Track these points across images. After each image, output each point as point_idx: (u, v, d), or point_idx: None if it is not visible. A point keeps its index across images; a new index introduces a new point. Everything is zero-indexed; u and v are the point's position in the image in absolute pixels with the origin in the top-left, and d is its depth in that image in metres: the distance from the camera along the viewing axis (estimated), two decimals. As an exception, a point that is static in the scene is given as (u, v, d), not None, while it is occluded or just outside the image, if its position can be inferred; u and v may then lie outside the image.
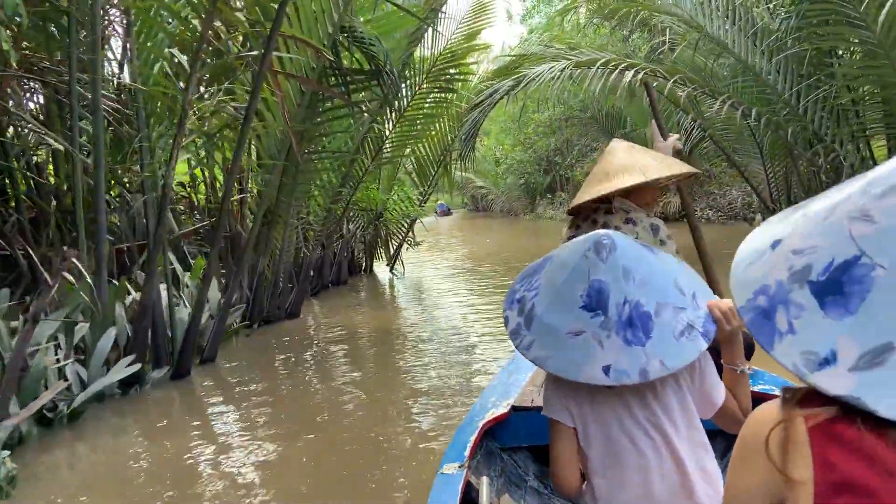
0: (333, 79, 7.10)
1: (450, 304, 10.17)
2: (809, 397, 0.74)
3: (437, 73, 10.96)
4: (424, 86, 11.08)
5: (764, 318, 0.76)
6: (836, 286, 0.70)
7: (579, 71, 9.85)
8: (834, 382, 0.69)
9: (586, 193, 2.49)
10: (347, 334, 8.10)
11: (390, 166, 14.22)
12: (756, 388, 2.50)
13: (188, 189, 10.64)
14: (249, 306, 8.34)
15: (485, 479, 2.00)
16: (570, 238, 2.42)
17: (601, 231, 1.64)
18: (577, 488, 1.72)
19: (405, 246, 14.47)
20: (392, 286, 13.07)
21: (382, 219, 13.38)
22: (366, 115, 8.98)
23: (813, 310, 0.72)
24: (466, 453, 2.27)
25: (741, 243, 0.87)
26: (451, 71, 11.09)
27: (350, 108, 6.98)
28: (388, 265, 14.29)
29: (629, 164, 2.48)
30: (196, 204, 10.46)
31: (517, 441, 2.75)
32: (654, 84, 10.13)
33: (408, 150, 13.45)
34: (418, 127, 12.23)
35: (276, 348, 7.54)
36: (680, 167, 2.57)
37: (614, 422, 1.65)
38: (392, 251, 14.35)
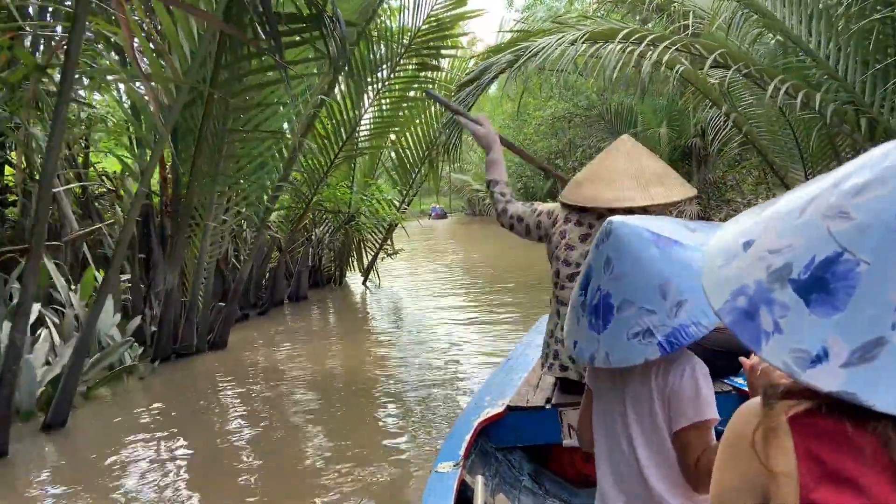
0: (253, 25, 5.03)
1: (429, 326, 8.13)
2: (791, 393, 0.75)
3: (418, 46, 8.94)
4: (402, 61, 9.06)
5: (747, 319, 0.75)
6: (821, 284, 0.70)
7: (592, 48, 7.85)
8: (827, 379, 0.68)
9: (625, 197, 2.45)
10: (282, 373, 6.09)
11: (367, 160, 12.20)
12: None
13: (115, 180, 8.62)
14: (155, 335, 6.29)
15: (479, 479, 2.03)
16: (583, 237, 2.60)
17: (613, 217, 1.58)
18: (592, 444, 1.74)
19: (383, 255, 12.44)
20: (364, 302, 11.04)
21: (354, 223, 11.32)
22: (307, 82, 6.91)
23: (798, 308, 0.71)
24: (461, 452, 2.28)
25: (708, 245, 0.86)
26: (436, 43, 9.06)
27: (282, 70, 4.91)
28: (362, 276, 12.26)
29: (665, 173, 2.54)
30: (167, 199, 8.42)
31: (512, 441, 2.70)
32: (681, 68, 8.17)
33: (387, 142, 11.45)
34: (398, 113, 10.22)
35: (170, 398, 5.48)
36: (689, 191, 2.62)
37: (601, 402, 1.70)
38: (367, 260, 12.31)
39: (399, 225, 12.58)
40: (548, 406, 2.65)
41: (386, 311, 9.98)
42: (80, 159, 8.42)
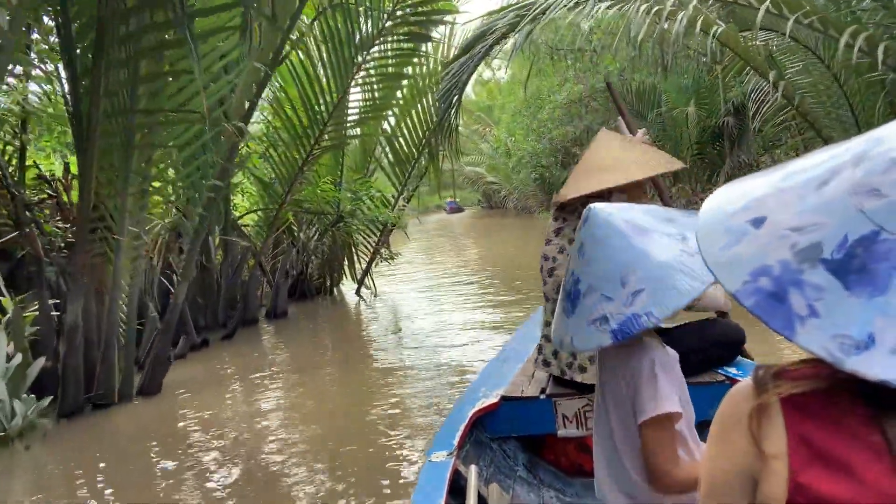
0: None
1: (431, 349, 6.64)
2: (782, 373, 0.75)
3: (404, 11, 7.47)
4: (389, 32, 7.59)
5: (775, 302, 0.70)
6: (859, 264, 0.66)
7: (612, 4, 6.56)
8: (875, 367, 0.63)
9: (582, 187, 2.49)
10: (234, 425, 4.67)
11: (358, 153, 10.76)
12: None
13: (55, 184, 7.28)
14: (61, 382, 4.90)
15: (473, 468, 2.02)
16: (556, 231, 2.66)
17: (593, 204, 1.60)
18: None
19: (378, 260, 10.99)
20: (356, 316, 9.62)
21: (343, 225, 9.88)
22: (232, 44, 5.43)
23: (836, 290, 0.67)
24: (455, 442, 2.27)
25: (700, 220, 0.81)
26: (425, 8, 7.59)
27: (180, 26, 3.47)
28: (358, 284, 10.84)
29: (625, 157, 2.49)
30: (68, 205, 7.05)
31: (507, 431, 2.69)
32: (719, 30, 6.56)
33: (379, 131, 10.00)
34: (388, 96, 8.78)
35: (56, 478, 4.07)
36: (673, 163, 2.63)
37: (597, 393, 1.73)
38: (363, 266, 10.88)
39: (396, 226, 11.12)
40: (542, 396, 2.64)
41: (380, 327, 8.55)
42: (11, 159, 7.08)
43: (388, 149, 10.41)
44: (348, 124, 8.67)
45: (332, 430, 4.54)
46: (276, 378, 6.09)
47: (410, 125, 10.22)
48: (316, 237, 10.15)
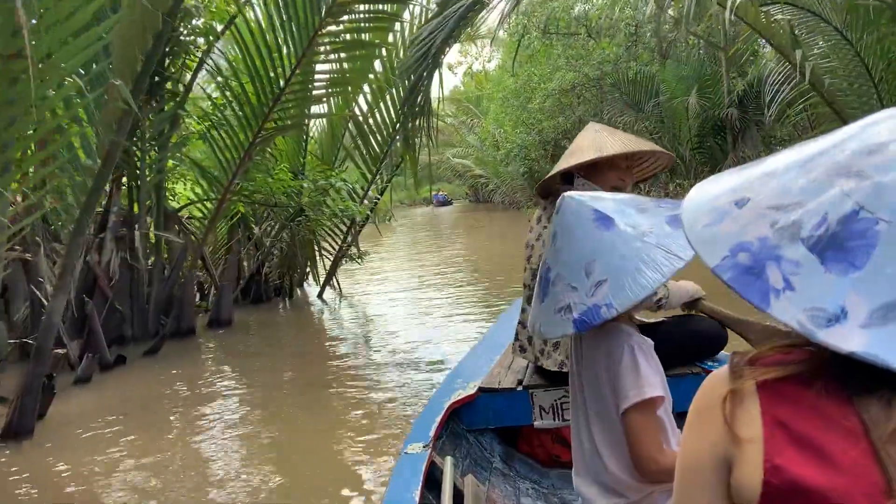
0: None
1: (413, 373, 5.45)
2: (758, 359, 0.76)
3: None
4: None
5: (751, 276, 0.71)
6: (836, 241, 0.68)
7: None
8: (845, 339, 0.65)
9: (549, 174, 2.56)
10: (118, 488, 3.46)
11: (325, 139, 9.55)
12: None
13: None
14: None
15: (449, 459, 2.03)
16: (538, 219, 2.62)
17: (568, 192, 1.61)
18: None
19: (349, 259, 9.78)
20: (316, 323, 8.41)
21: (304, 219, 8.65)
22: None
23: (812, 266, 0.69)
24: (431, 433, 2.25)
25: (685, 203, 0.81)
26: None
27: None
28: (321, 287, 9.63)
29: (591, 142, 2.49)
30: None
31: (484, 423, 2.69)
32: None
33: (348, 113, 8.78)
34: (348, 68, 7.55)
35: None
36: (642, 145, 2.52)
37: (572, 383, 1.72)
38: (327, 266, 9.66)
39: (366, 221, 9.91)
40: (519, 388, 2.62)
41: (343, 336, 7.35)
42: None
43: (357, 134, 9.17)
44: (308, 101, 7.42)
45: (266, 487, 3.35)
46: (197, 405, 4.88)
47: (384, 108, 9.02)
48: (272, 233, 8.92)
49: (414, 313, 8.38)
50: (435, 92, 9.26)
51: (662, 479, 1.46)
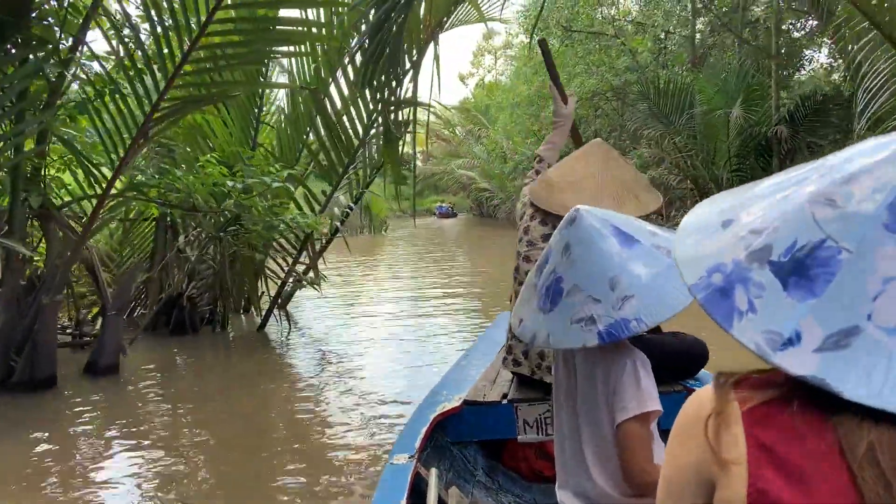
0: None
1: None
2: (742, 381, 0.76)
3: None
4: None
5: (721, 297, 0.74)
6: (801, 268, 0.70)
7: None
8: (797, 363, 0.68)
9: (611, 203, 2.45)
10: None
11: (286, 132, 7.44)
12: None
13: None
14: None
15: (433, 471, 2.05)
16: (544, 236, 2.61)
17: (581, 206, 1.61)
18: None
19: (301, 285, 7.58)
20: (245, 372, 6.22)
21: (239, 230, 6.48)
22: None
23: (775, 290, 0.71)
24: (416, 445, 2.27)
25: (683, 222, 0.84)
26: None
27: None
28: (262, 318, 7.44)
29: (636, 181, 2.53)
30: None
31: (468, 436, 2.70)
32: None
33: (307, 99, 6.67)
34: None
35: None
36: (655, 201, 2.56)
37: (559, 396, 1.72)
38: (272, 293, 7.47)
39: (332, 235, 7.75)
40: (504, 402, 2.62)
41: (274, 395, 5.17)
42: None
43: (321, 121, 7.02)
44: (232, 62, 5.28)
45: None
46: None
47: (354, 88, 6.88)
48: (201, 246, 6.76)
49: (392, 355, 6.24)
50: (426, 86, 7.26)
51: (649, 492, 1.41)
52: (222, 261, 6.52)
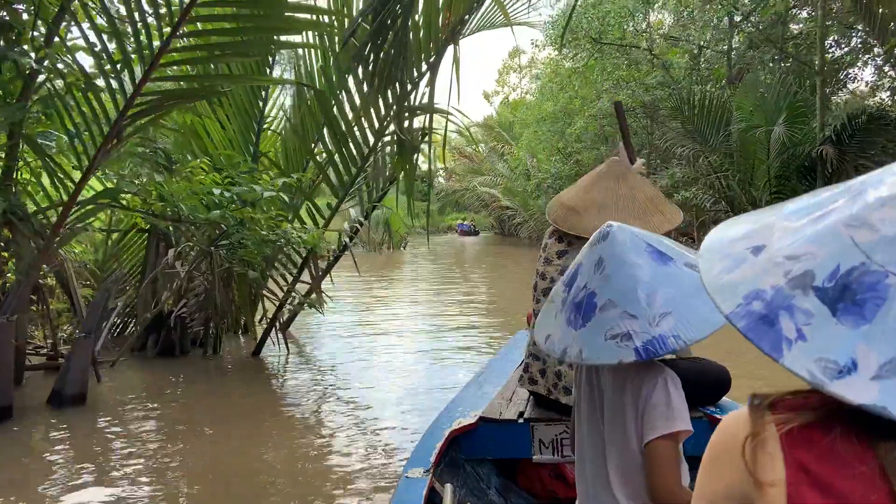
0: None
1: None
2: (778, 403, 0.76)
3: None
4: None
5: (765, 325, 0.72)
6: (847, 293, 0.68)
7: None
8: (856, 391, 0.65)
9: (634, 220, 2.46)
10: None
11: (297, 131, 6.84)
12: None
13: None
14: None
15: (448, 487, 2.04)
16: (560, 253, 2.63)
17: (612, 222, 1.61)
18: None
19: (301, 306, 6.90)
20: (232, 405, 5.53)
21: (233, 245, 5.83)
22: None
23: (824, 317, 0.69)
24: (432, 459, 2.26)
25: (702, 248, 0.82)
26: None
27: None
28: (258, 342, 6.78)
29: (657, 197, 2.57)
30: None
31: (483, 453, 2.67)
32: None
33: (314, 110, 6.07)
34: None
35: None
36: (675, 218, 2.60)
37: (581, 415, 1.70)
38: (270, 314, 6.80)
39: (341, 251, 7.09)
40: (520, 420, 2.59)
41: (261, 435, 4.50)
42: None
43: (327, 125, 6.38)
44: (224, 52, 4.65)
45: None
46: None
47: (364, 92, 6.24)
48: (191, 261, 6.12)
49: (401, 384, 5.58)
50: (443, 79, 6.52)
51: None
52: (213, 278, 5.85)
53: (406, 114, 6.41)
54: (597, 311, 1.52)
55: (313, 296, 6.79)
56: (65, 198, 4.46)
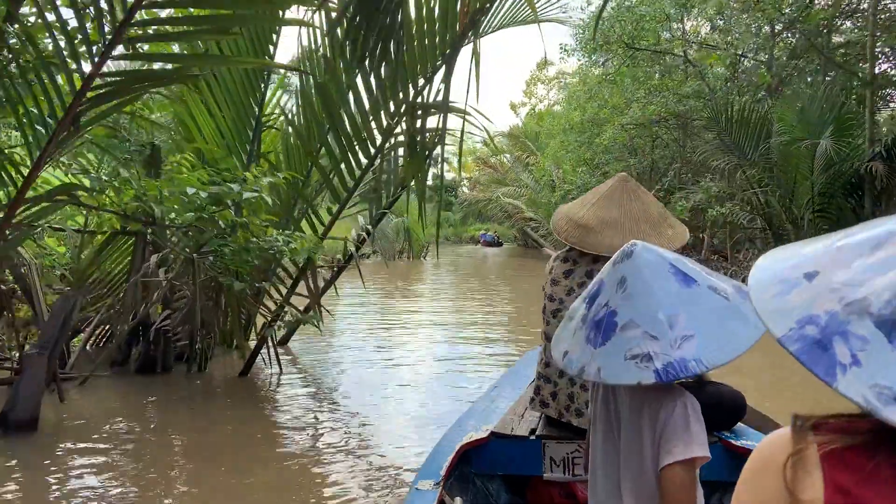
0: None
1: None
2: (820, 425, 0.75)
3: None
4: None
5: (819, 349, 0.72)
6: None
7: None
8: None
9: (644, 235, 2.49)
10: None
11: (299, 131, 6.22)
12: (739, 443, 2.47)
13: None
14: None
15: (458, 500, 2.05)
16: (566, 273, 2.63)
17: (637, 241, 1.60)
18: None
19: (296, 321, 6.25)
20: (205, 437, 4.89)
21: (220, 254, 5.21)
22: None
23: (880, 342, 0.68)
24: (442, 472, 2.26)
25: (753, 273, 0.81)
26: None
27: None
28: (246, 361, 6.13)
29: (665, 212, 2.59)
30: None
31: (493, 468, 2.65)
32: None
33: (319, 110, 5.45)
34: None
35: None
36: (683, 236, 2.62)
37: (597, 436, 1.67)
38: (259, 330, 6.15)
39: (345, 262, 6.44)
40: (532, 437, 2.58)
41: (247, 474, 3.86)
42: None
43: (328, 122, 5.73)
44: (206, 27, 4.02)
45: None
46: None
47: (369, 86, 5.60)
48: (174, 270, 5.50)
49: (405, 409, 4.95)
50: (461, 78, 5.79)
51: None
52: (195, 288, 5.22)
53: (418, 111, 5.76)
54: (617, 329, 1.50)
55: (310, 312, 6.13)
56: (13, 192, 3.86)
